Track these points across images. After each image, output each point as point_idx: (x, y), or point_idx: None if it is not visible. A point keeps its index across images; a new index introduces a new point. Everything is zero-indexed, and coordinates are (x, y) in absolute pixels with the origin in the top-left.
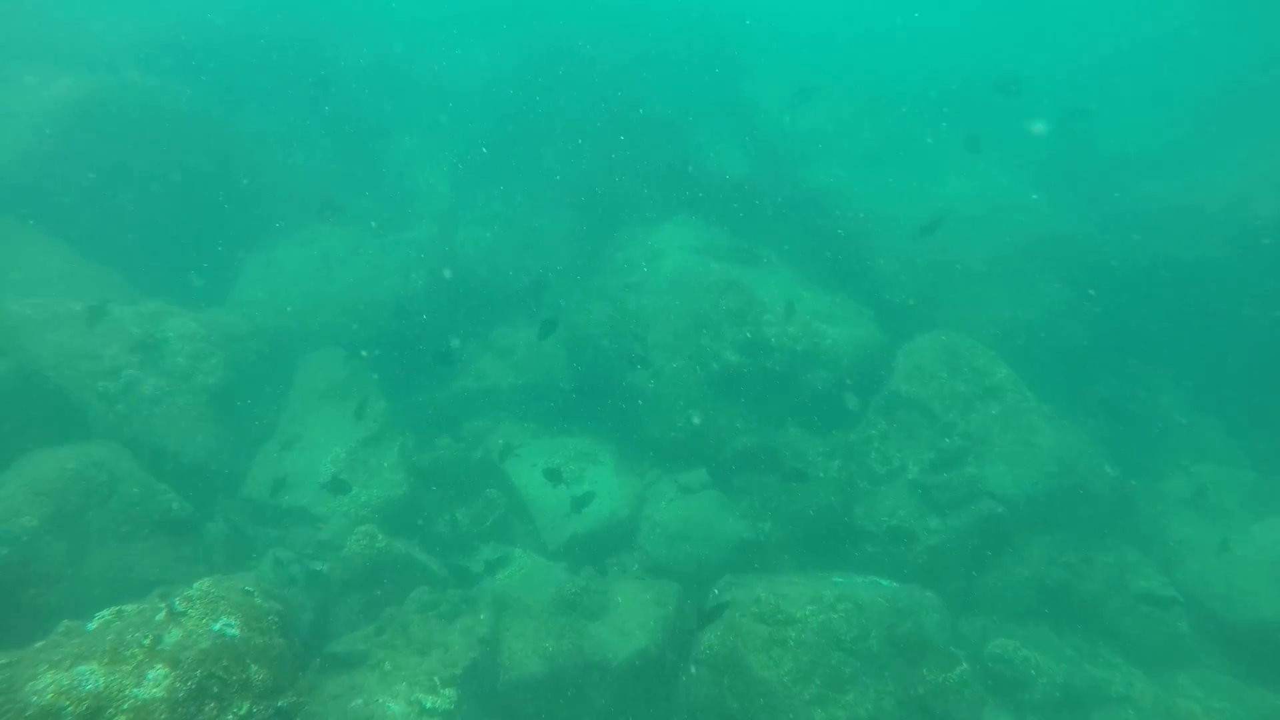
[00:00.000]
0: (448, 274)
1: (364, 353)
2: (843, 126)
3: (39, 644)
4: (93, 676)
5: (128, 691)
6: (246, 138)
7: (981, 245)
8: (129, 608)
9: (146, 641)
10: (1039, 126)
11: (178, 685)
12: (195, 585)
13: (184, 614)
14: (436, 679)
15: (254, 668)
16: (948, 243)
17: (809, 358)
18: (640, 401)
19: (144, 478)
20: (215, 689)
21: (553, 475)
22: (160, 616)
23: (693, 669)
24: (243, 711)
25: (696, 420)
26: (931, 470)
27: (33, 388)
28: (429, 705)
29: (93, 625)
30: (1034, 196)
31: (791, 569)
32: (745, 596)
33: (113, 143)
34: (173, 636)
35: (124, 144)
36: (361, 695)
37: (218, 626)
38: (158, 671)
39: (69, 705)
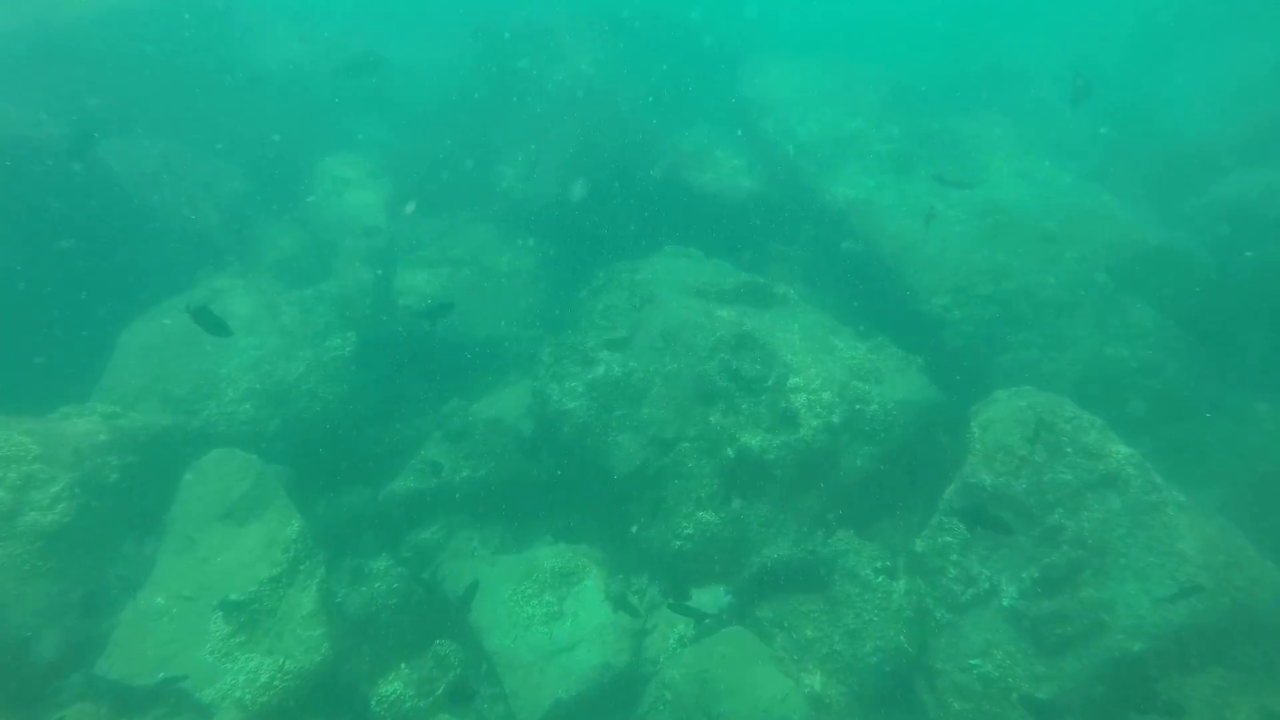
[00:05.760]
0: (383, 334)
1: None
2: (866, 123)
3: None
4: None
5: None
6: (123, 170)
7: (1054, 267)
8: None
9: None
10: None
11: None
12: None
13: None
14: None
15: None
16: (1011, 266)
17: (849, 430)
18: (633, 500)
19: None
20: None
21: (521, 612)
22: None
23: None
24: None
25: (709, 522)
26: (1035, 593)
27: None
28: None
29: None
30: (1106, 198)
31: None
32: None
33: None
34: None
35: None
36: None
37: None
38: None
39: None
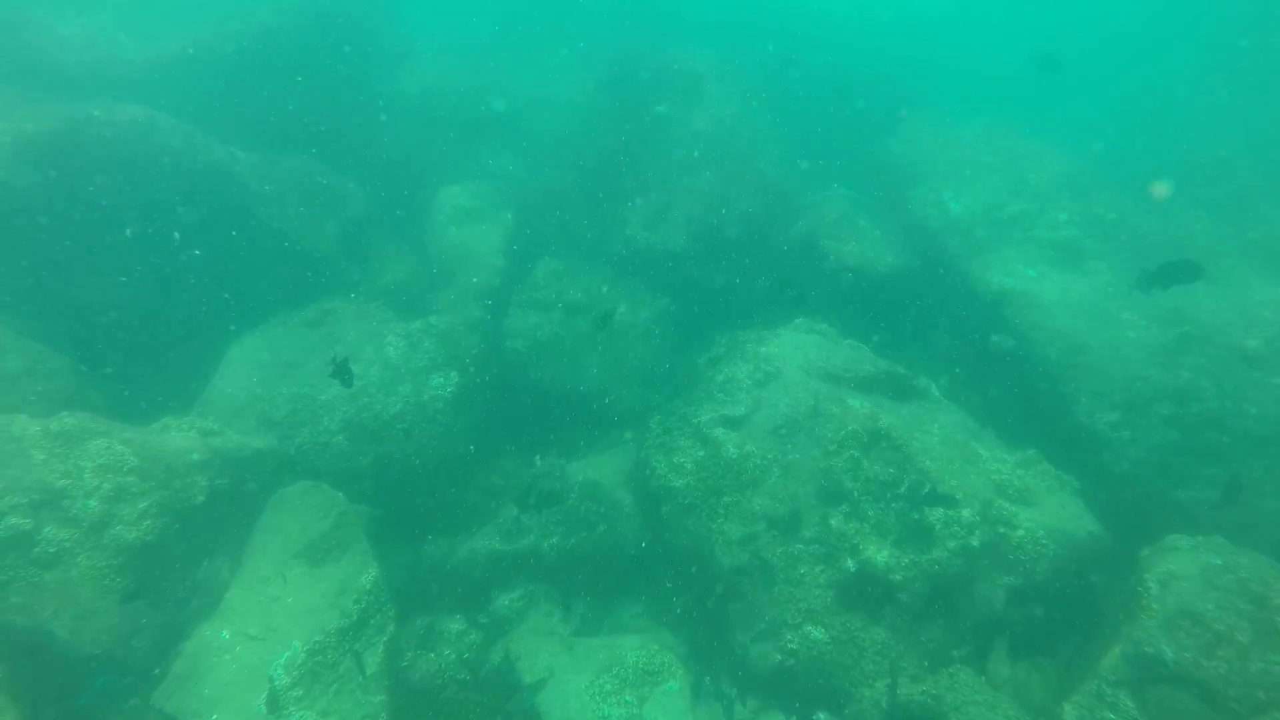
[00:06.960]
0: (486, 377)
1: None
2: (1029, 204)
3: None
4: None
5: None
6: (254, 185)
7: (1256, 394)
8: None
9: None
10: None
11: None
12: None
13: None
14: None
15: None
16: (1199, 387)
17: (989, 556)
18: (734, 599)
19: None
20: None
21: (596, 710)
22: None
23: None
24: None
25: (817, 639)
26: None
27: None
28: None
29: None
30: None
31: None
32: None
33: (77, 190)
34: None
35: (90, 191)
36: None
37: None
38: None
39: None
